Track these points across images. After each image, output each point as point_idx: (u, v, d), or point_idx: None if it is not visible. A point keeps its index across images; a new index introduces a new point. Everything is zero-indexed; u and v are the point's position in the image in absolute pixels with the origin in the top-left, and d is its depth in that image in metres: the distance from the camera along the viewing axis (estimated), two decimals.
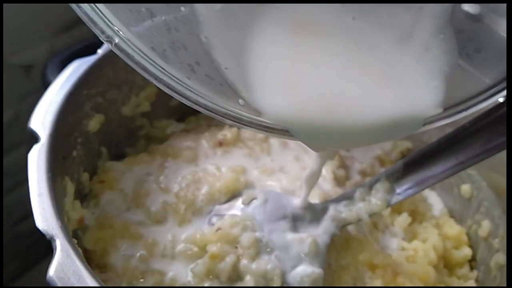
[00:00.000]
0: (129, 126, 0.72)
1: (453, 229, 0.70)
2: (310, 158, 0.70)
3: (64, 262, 0.41)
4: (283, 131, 0.40)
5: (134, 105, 0.71)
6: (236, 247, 0.55)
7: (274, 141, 0.75)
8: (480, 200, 0.70)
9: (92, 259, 0.56)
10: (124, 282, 0.54)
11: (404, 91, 0.40)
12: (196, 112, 0.79)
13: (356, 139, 0.43)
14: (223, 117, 0.38)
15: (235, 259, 0.54)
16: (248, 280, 0.53)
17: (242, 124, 0.39)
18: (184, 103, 0.38)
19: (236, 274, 0.54)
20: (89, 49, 0.65)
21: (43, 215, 0.44)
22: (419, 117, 0.40)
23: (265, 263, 0.54)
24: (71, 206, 0.54)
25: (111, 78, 0.64)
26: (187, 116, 0.78)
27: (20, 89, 0.81)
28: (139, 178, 0.64)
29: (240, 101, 0.38)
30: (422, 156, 0.60)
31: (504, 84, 0.40)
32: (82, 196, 0.62)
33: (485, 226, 0.68)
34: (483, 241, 0.68)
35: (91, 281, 0.40)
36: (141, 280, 0.55)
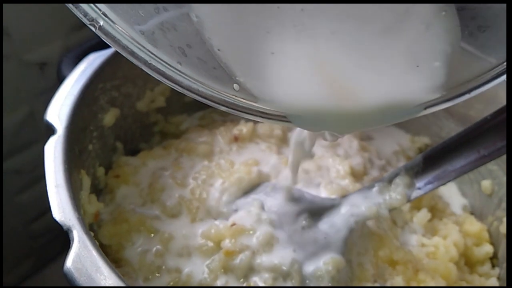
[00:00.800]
0: (144, 121, 0.72)
1: (473, 226, 0.68)
2: (327, 153, 0.70)
3: (81, 253, 0.40)
4: (280, 117, 0.39)
5: (149, 100, 0.71)
6: (250, 243, 0.54)
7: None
8: (501, 196, 0.68)
9: (107, 254, 0.56)
10: (141, 277, 0.54)
11: (405, 72, 0.38)
12: (211, 107, 0.80)
13: (355, 123, 0.41)
14: (218, 103, 0.37)
15: (250, 256, 0.53)
16: (266, 277, 0.52)
17: (237, 110, 0.38)
18: (176, 89, 0.36)
19: (251, 271, 0.53)
20: (104, 44, 0.64)
21: (60, 206, 0.43)
22: (420, 100, 0.39)
23: (282, 259, 0.53)
24: (87, 200, 0.54)
25: (126, 72, 0.64)
26: (202, 111, 0.78)
27: (35, 86, 0.81)
28: (154, 172, 0.63)
29: (235, 86, 0.36)
30: (442, 150, 0.59)
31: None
32: (98, 190, 0.62)
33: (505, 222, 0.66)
34: (505, 237, 0.66)
35: (108, 272, 0.39)
36: (157, 275, 0.54)
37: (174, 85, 0.35)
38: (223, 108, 0.37)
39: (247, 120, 0.71)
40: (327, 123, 0.40)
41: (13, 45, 0.74)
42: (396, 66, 0.38)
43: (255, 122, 0.72)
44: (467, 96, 0.40)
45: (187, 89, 0.36)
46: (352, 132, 0.73)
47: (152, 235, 0.57)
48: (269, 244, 0.53)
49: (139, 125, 0.71)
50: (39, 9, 0.76)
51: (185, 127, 0.74)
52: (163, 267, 0.55)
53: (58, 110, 0.52)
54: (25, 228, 0.90)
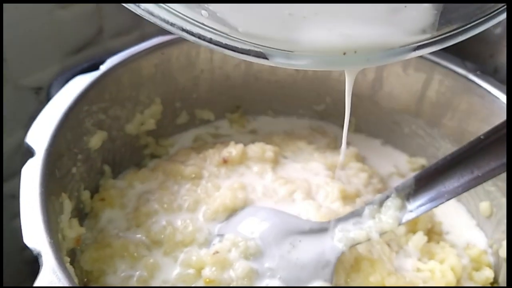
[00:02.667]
0: (133, 144, 0.71)
1: (472, 249, 0.66)
2: (318, 179, 0.68)
3: (50, 280, 0.39)
4: (257, 53, 0.37)
5: (139, 123, 0.70)
6: (231, 275, 0.52)
7: (284, 161, 0.73)
8: (500, 218, 0.66)
9: (89, 280, 0.54)
10: None
11: (394, 11, 0.37)
12: (203, 127, 0.79)
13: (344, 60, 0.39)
14: (182, 31, 0.34)
15: None
16: None
17: (205, 41, 0.35)
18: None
19: None
20: (95, 67, 0.64)
21: (32, 230, 0.42)
22: (408, 41, 0.38)
23: None
24: (67, 224, 0.53)
25: (114, 94, 0.63)
26: (194, 132, 0.77)
27: (29, 110, 0.81)
28: (140, 196, 0.62)
29: (203, 12, 0.34)
30: (435, 171, 0.57)
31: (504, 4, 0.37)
32: (83, 214, 0.60)
33: (505, 246, 0.64)
34: (505, 261, 0.64)
35: None
36: None
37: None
38: (189, 38, 0.35)
39: (237, 142, 0.70)
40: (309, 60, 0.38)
41: (9, 69, 0.74)
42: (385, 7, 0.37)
43: (245, 144, 0.71)
44: (460, 38, 0.38)
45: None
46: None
47: (136, 261, 0.56)
48: (250, 276, 0.51)
49: (128, 148, 0.70)
50: (35, 33, 0.76)
51: (176, 149, 0.73)
52: None
53: (39, 132, 0.52)
54: (19, 253, 0.89)
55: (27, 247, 0.41)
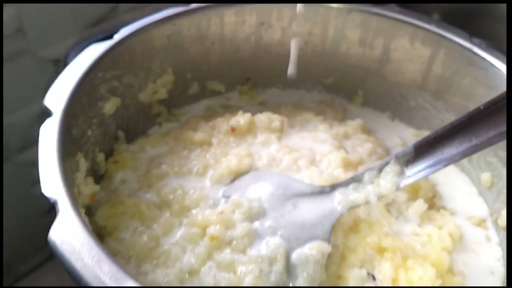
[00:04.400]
0: (146, 112, 0.74)
1: (473, 218, 0.68)
2: (323, 148, 0.70)
3: (65, 224, 0.42)
4: None
5: (151, 91, 0.73)
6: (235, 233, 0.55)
7: (290, 131, 0.75)
8: (500, 188, 0.67)
9: (103, 234, 0.58)
10: (133, 257, 0.56)
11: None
12: (214, 98, 0.82)
13: None
14: None
15: (230, 249, 0.54)
16: (251, 268, 0.53)
17: None
18: None
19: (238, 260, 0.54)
20: (109, 37, 0.67)
21: (49, 180, 0.46)
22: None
23: (267, 244, 0.54)
24: (83, 181, 0.56)
25: (127, 62, 0.66)
26: (205, 102, 0.80)
27: (49, 82, 0.85)
28: (151, 159, 0.66)
29: None
30: (435, 139, 0.59)
31: None
32: (98, 176, 0.64)
33: (504, 215, 0.66)
34: (503, 230, 0.66)
35: (88, 242, 0.41)
36: (149, 257, 0.56)
37: None
38: None
39: (245, 111, 0.73)
40: None
41: (28, 42, 0.77)
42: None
43: (253, 113, 0.73)
44: None
45: None
46: None
47: (146, 219, 0.59)
48: (250, 236, 0.54)
49: (141, 115, 0.73)
50: (54, 6, 0.79)
51: (187, 117, 0.76)
52: (155, 250, 0.57)
53: (56, 95, 0.55)
54: (39, 219, 0.94)
55: (44, 197, 0.44)
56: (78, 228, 0.42)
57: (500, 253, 0.65)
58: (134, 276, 0.38)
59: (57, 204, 0.44)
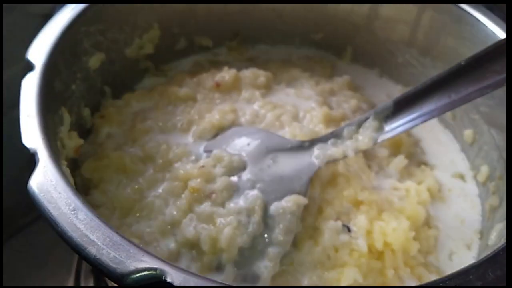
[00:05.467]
0: (133, 68, 0.75)
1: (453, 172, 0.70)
2: (307, 104, 0.71)
3: (44, 173, 0.44)
4: None
5: (138, 47, 0.73)
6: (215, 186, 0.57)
7: (276, 87, 0.75)
8: (481, 144, 0.68)
9: (89, 187, 0.60)
10: (117, 209, 0.57)
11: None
12: (202, 54, 0.82)
13: None
14: None
15: (211, 202, 0.56)
16: (230, 219, 0.54)
17: None
18: None
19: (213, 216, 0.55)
20: None
21: (28, 132, 0.47)
22: None
23: (244, 199, 0.55)
24: (67, 135, 0.58)
25: (111, 17, 0.66)
26: (192, 57, 0.80)
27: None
28: (137, 114, 0.67)
29: None
30: (414, 95, 0.59)
31: None
32: (84, 130, 0.65)
33: (484, 171, 0.67)
34: (482, 185, 0.67)
35: (66, 191, 0.43)
36: (133, 209, 0.58)
37: None
38: None
39: (233, 67, 0.73)
40: None
41: None
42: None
43: (239, 69, 0.74)
44: None
45: None
46: None
47: (131, 172, 0.60)
48: (229, 189, 0.56)
49: (128, 71, 0.74)
50: None
51: (174, 73, 0.77)
52: (140, 202, 0.58)
53: (38, 49, 0.56)
54: None
55: (25, 147, 0.46)
56: (56, 178, 0.44)
57: (478, 204, 0.66)
58: (108, 224, 0.40)
59: (36, 154, 0.45)
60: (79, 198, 0.43)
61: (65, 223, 0.40)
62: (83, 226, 0.40)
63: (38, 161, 0.45)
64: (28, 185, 0.43)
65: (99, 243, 0.39)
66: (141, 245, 0.52)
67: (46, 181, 0.43)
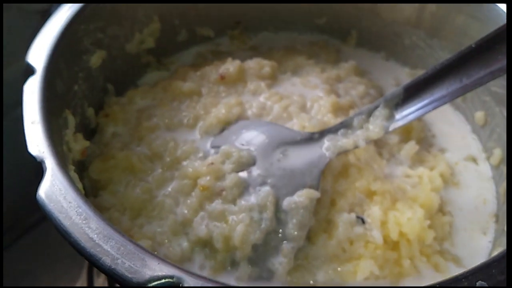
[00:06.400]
0: (135, 63, 0.73)
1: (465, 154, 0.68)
2: (314, 93, 0.69)
3: (52, 182, 0.43)
4: None
5: (138, 41, 0.72)
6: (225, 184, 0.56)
7: (282, 76, 0.74)
8: (493, 127, 0.67)
9: (97, 188, 0.59)
10: (127, 210, 0.57)
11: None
12: (204, 45, 0.80)
13: None
14: None
15: (222, 199, 0.55)
16: (242, 217, 0.53)
17: None
18: None
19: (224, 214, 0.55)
20: None
21: (34, 139, 0.46)
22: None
23: (256, 195, 0.55)
24: (72, 138, 0.57)
25: (110, 13, 0.65)
26: (195, 49, 0.79)
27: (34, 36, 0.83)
28: (141, 112, 0.66)
29: None
30: (425, 81, 0.58)
31: None
32: (89, 130, 0.64)
33: (497, 154, 0.66)
34: (495, 168, 0.66)
35: (76, 200, 0.42)
36: (143, 209, 0.57)
37: None
38: None
39: (236, 57, 0.72)
40: None
41: None
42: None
43: (242, 59, 0.72)
44: None
45: None
46: None
47: (138, 172, 0.60)
48: (239, 185, 0.55)
49: (130, 67, 0.72)
50: None
51: (177, 66, 0.75)
52: (150, 201, 0.58)
53: (38, 51, 0.54)
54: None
55: (31, 156, 0.45)
56: (65, 186, 0.43)
57: (492, 187, 0.65)
58: (122, 232, 0.39)
59: (44, 162, 0.44)
60: (90, 207, 0.42)
61: (77, 233, 0.40)
62: (95, 235, 0.39)
63: (46, 169, 0.44)
64: (37, 195, 0.42)
65: (113, 253, 0.38)
66: (154, 247, 0.53)
67: (55, 190, 0.43)
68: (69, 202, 0.42)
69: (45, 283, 0.86)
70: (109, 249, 0.38)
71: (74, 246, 0.39)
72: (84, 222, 0.40)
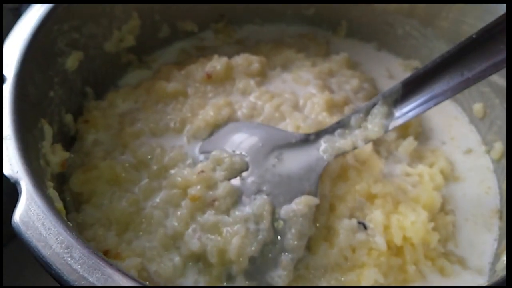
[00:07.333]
0: (115, 63, 0.69)
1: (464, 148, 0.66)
2: (306, 89, 0.66)
3: (28, 206, 0.39)
4: None
5: (117, 39, 0.67)
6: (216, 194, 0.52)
7: (271, 73, 0.70)
8: (492, 119, 0.65)
9: (80, 202, 0.55)
10: (114, 224, 0.53)
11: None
12: (187, 40, 0.76)
13: None
14: None
15: (214, 210, 0.51)
16: (237, 228, 0.50)
17: None
18: None
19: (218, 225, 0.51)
20: None
21: (8, 159, 0.42)
22: None
23: (251, 204, 0.51)
24: (50, 150, 0.52)
25: (85, 10, 0.60)
26: (178, 44, 0.74)
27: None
28: (123, 116, 0.61)
29: None
30: (424, 75, 0.55)
31: None
32: (68, 138, 0.60)
33: (498, 147, 0.63)
34: (496, 162, 0.64)
35: (55, 226, 0.38)
36: (131, 223, 0.53)
37: None
38: None
39: (223, 55, 0.68)
40: None
41: None
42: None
43: (232, 56, 0.68)
44: None
45: None
46: None
47: (124, 182, 0.56)
48: (232, 194, 0.52)
49: (109, 67, 0.68)
50: None
51: (159, 64, 0.71)
52: (137, 214, 0.54)
53: (7, 58, 0.50)
54: None
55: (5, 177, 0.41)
56: (43, 211, 0.39)
57: (494, 181, 0.63)
58: (108, 261, 0.36)
59: (19, 184, 0.40)
60: (72, 233, 0.38)
61: (59, 264, 0.36)
62: (79, 266, 0.36)
63: (21, 192, 0.40)
64: (12, 221, 0.38)
65: (99, 285, 0.35)
66: (144, 264, 0.49)
67: (32, 215, 0.39)
68: (49, 229, 0.38)
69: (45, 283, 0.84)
70: (95, 282, 0.35)
71: (56, 279, 0.35)
72: (66, 251, 0.36)
